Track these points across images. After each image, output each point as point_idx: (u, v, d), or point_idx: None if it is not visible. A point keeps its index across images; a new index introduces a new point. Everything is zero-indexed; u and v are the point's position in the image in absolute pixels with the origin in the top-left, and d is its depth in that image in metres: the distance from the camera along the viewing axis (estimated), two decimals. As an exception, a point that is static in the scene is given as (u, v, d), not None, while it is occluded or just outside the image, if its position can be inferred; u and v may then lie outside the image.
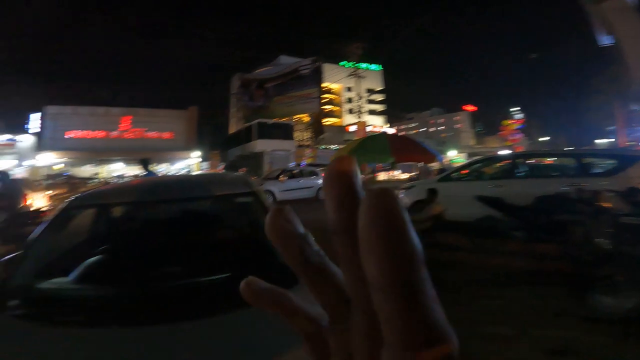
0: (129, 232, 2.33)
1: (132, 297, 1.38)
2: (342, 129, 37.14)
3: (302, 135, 32.57)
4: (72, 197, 2.08)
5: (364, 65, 38.38)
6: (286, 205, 0.17)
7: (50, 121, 27.47)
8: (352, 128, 34.55)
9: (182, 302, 1.31)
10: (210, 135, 32.91)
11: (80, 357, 1.11)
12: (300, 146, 27.10)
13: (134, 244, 2.15)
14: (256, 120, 23.23)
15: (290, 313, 0.18)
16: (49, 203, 12.84)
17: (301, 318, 0.18)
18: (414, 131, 54.64)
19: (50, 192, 15.85)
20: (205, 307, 1.25)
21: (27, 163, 23.95)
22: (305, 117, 35.22)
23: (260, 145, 21.76)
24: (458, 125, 50.65)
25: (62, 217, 1.90)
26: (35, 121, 27.79)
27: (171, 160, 27.85)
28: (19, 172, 17.75)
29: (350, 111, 38.45)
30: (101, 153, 27.09)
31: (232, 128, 35.43)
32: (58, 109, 28.13)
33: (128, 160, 25.66)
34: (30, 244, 1.78)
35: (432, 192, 4.70)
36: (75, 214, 2.03)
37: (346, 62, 37.77)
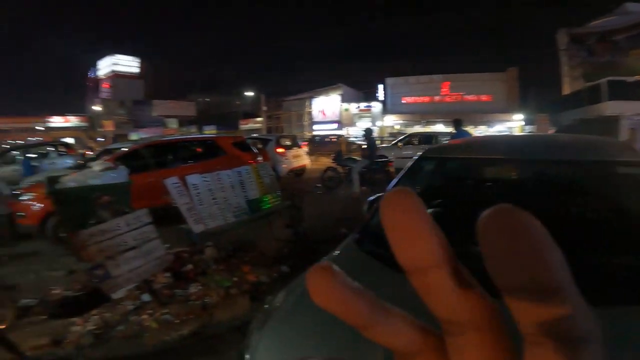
0: (472, 188, 2.28)
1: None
2: None
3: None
4: (424, 151, 2.36)
5: None
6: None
7: (390, 90, 34.09)
8: None
9: None
10: (534, 96, 28.56)
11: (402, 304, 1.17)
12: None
13: (472, 201, 2.04)
14: (605, 78, 17.71)
15: (373, 323, 0.14)
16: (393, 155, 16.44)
17: (399, 332, 0.15)
18: None
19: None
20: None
21: (378, 124, 31.71)
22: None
23: (613, 107, 16.50)
24: None
25: (415, 166, 2.11)
26: (380, 91, 35.37)
27: (489, 123, 27.09)
28: (374, 131, 24.01)
29: None
30: (426, 115, 30.80)
31: (566, 88, 28.79)
32: (394, 80, 34.24)
33: (446, 122, 27.68)
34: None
35: None
36: (425, 165, 2.25)
37: None
